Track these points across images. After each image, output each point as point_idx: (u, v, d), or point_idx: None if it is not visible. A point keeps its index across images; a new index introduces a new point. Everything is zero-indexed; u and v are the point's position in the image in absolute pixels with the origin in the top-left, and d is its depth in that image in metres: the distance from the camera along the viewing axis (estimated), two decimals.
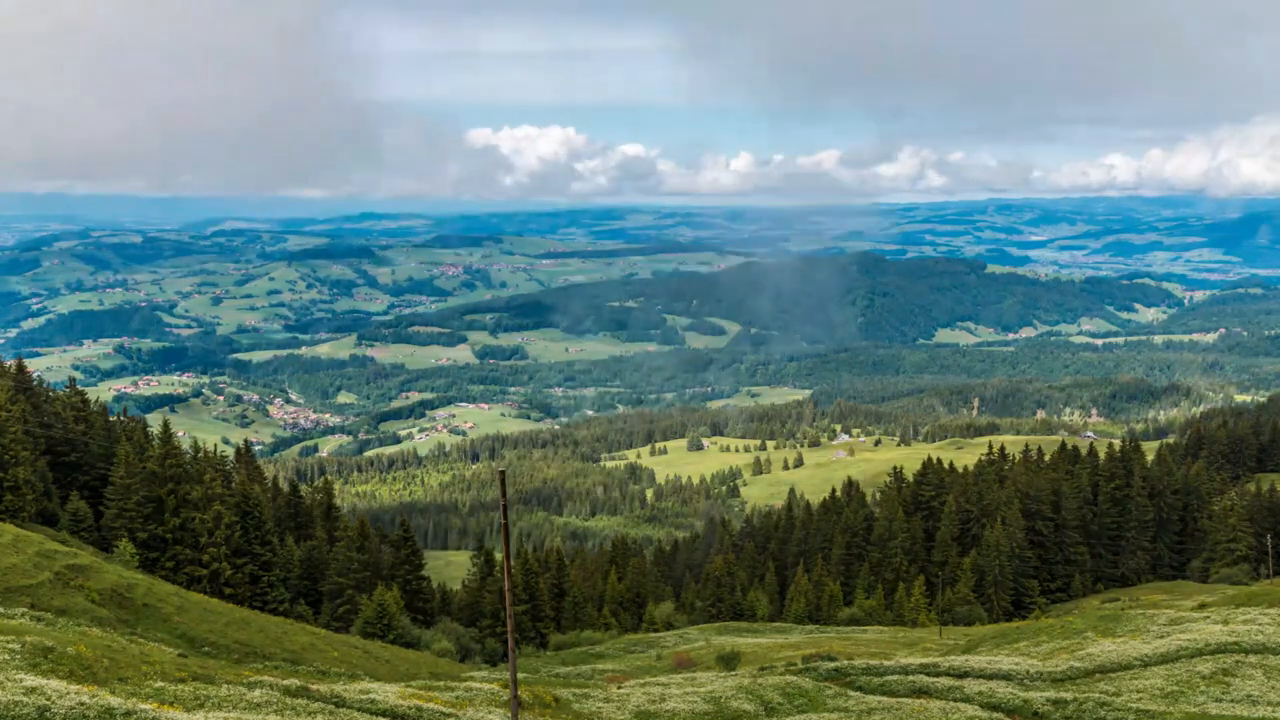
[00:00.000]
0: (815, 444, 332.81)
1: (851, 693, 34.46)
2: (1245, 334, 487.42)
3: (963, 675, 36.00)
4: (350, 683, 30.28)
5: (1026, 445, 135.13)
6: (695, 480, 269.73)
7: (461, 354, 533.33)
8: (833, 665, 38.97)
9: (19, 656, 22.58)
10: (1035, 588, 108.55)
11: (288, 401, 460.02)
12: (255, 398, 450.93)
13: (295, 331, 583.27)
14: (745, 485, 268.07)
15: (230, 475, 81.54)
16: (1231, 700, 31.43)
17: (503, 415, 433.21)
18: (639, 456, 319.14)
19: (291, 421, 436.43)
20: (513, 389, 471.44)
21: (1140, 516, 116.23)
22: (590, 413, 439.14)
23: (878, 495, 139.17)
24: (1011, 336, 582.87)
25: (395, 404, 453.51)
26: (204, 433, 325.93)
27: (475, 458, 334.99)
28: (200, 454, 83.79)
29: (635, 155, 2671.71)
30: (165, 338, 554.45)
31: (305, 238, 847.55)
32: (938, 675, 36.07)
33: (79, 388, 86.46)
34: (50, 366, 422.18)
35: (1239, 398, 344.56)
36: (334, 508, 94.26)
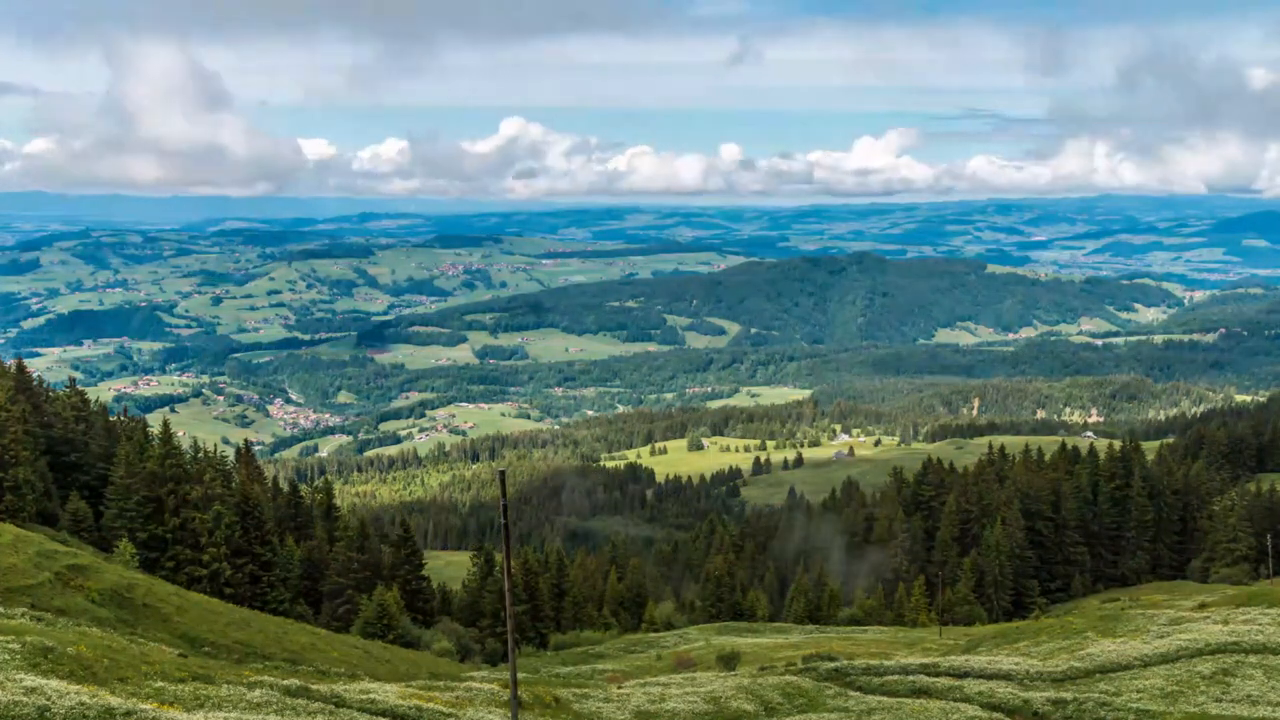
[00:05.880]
0: (815, 444, 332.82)
1: (851, 693, 34.46)
2: (1245, 334, 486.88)
3: (963, 675, 35.98)
4: (350, 683, 30.28)
5: (1026, 445, 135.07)
6: (695, 480, 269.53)
7: (461, 354, 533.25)
8: (833, 665, 38.95)
9: (19, 656, 22.57)
10: (1035, 588, 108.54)
11: (288, 401, 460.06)
12: (255, 398, 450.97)
13: (295, 331, 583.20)
14: (745, 485, 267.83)
15: (230, 475, 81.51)
16: (1231, 700, 31.43)
17: (503, 415, 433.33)
18: (639, 456, 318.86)
19: (291, 421, 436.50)
20: (513, 389, 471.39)
21: (1140, 516, 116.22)
22: (590, 413, 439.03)
23: (878, 495, 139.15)
24: (1011, 336, 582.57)
25: (395, 404, 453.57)
26: (204, 433, 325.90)
27: (475, 458, 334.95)
28: (200, 454, 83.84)
29: (637, 155, 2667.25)
30: (165, 338, 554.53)
31: (305, 238, 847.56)
32: (938, 675, 36.05)
33: (79, 388, 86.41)
34: (50, 366, 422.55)
35: (1239, 398, 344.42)
36: (334, 508, 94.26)
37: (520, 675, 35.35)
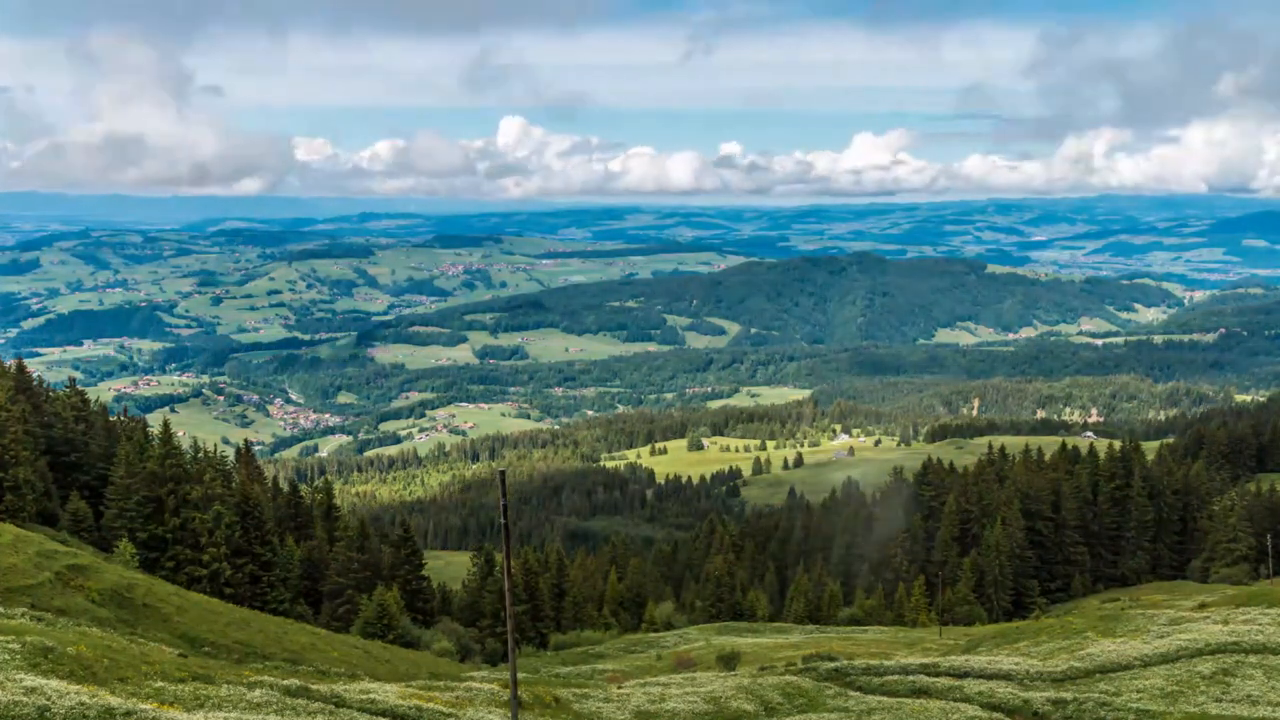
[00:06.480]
0: (815, 444, 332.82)
1: (851, 693, 34.45)
2: (1245, 334, 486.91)
3: (963, 675, 35.98)
4: (350, 683, 30.28)
5: (1026, 445, 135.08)
6: (695, 480, 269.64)
7: (461, 354, 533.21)
8: (833, 665, 38.95)
9: (19, 656, 22.57)
10: (1035, 588, 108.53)
11: (288, 401, 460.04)
12: (255, 398, 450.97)
13: (295, 331, 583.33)
14: (745, 485, 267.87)
15: (230, 475, 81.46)
16: (1231, 700, 31.43)
17: (503, 415, 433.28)
18: (639, 456, 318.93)
19: (291, 421, 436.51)
20: (513, 389, 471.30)
21: (1140, 516, 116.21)
22: (590, 413, 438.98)
23: (878, 495, 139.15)
24: (1011, 336, 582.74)
25: (395, 404, 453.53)
26: (204, 433, 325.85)
27: (475, 458, 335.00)
28: (200, 454, 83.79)
29: (637, 155, 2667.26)
30: (165, 338, 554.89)
31: (305, 238, 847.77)
32: (938, 675, 36.05)
33: (79, 388, 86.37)
34: (50, 366, 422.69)
35: (1239, 398, 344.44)
36: (334, 508, 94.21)
37: (520, 675, 35.34)
